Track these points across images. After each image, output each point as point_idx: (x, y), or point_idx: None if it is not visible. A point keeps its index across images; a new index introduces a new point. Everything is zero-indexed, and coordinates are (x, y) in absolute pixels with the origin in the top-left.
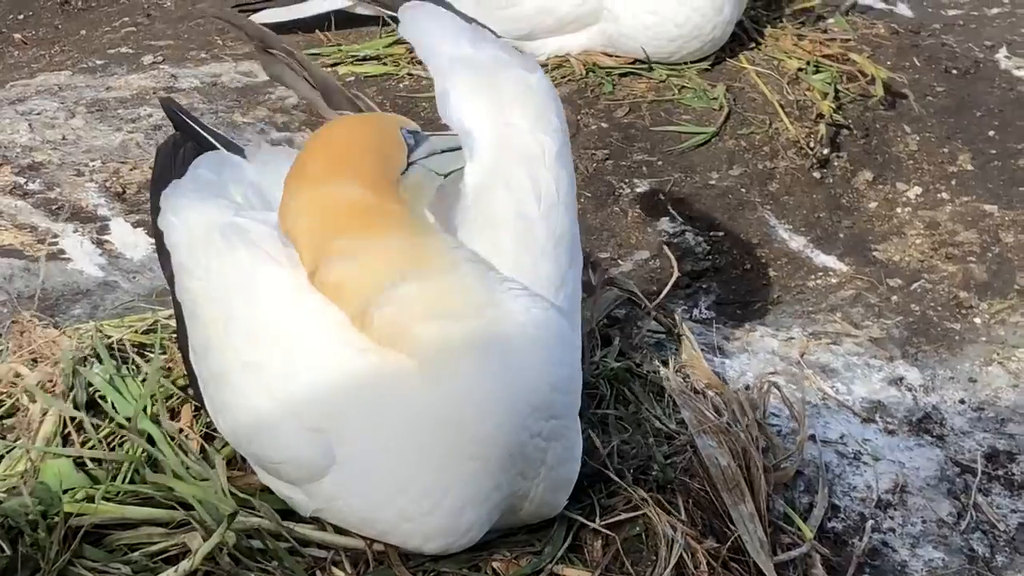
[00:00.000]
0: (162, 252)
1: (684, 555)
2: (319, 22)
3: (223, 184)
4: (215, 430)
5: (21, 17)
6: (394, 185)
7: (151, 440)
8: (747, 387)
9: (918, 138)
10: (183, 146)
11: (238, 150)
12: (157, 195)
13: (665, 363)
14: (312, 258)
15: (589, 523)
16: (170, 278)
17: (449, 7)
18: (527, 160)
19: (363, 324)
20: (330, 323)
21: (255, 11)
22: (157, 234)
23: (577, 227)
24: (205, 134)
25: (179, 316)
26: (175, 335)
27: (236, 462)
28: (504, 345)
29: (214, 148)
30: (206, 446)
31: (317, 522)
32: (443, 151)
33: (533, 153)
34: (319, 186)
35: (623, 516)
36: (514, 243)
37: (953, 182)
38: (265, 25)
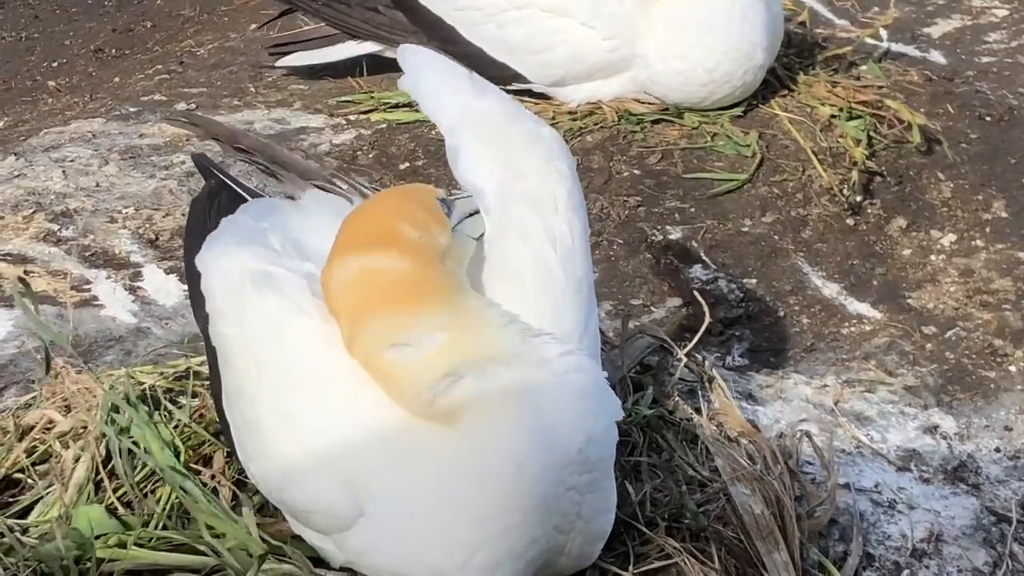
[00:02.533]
0: (196, 297)
1: None
2: (350, 68)
3: (262, 231)
4: (247, 477)
5: (55, 65)
6: (440, 256)
7: (183, 487)
8: (780, 435)
9: (952, 185)
10: (218, 195)
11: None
12: (191, 243)
13: (698, 410)
14: (355, 333)
15: (623, 572)
16: (204, 324)
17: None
18: (539, 209)
19: (415, 409)
20: (361, 376)
21: (285, 54)
22: (192, 279)
23: (592, 273)
24: (235, 187)
25: (212, 362)
26: (207, 382)
27: (268, 509)
28: (541, 399)
29: (246, 197)
30: (238, 493)
31: (349, 571)
32: (471, 214)
33: (545, 202)
34: (366, 259)
35: (656, 564)
36: (535, 292)
37: (988, 229)
38: (295, 67)
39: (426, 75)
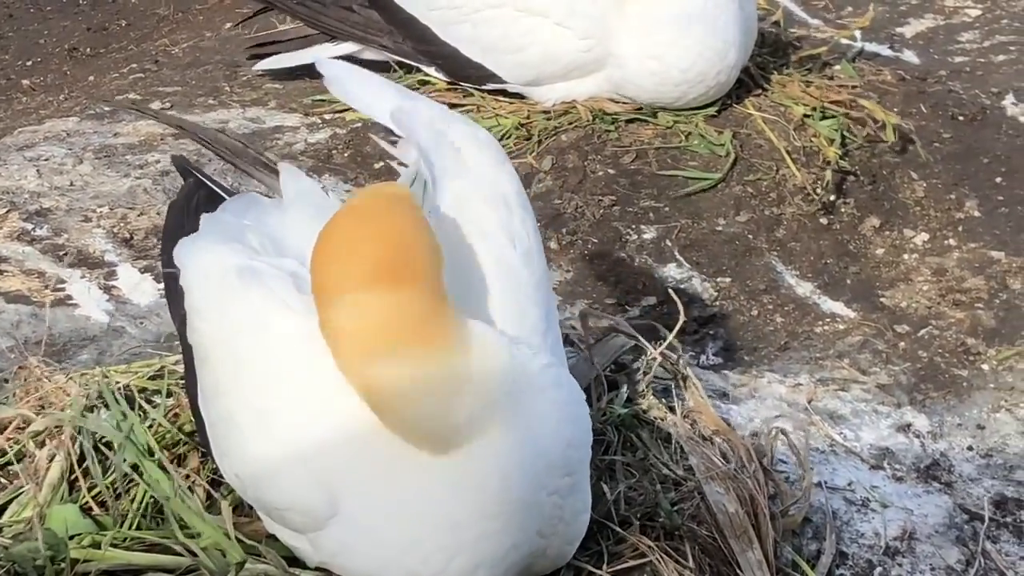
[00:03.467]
0: (172, 295)
1: None
2: None
3: (241, 228)
4: (221, 476)
5: (30, 63)
6: (428, 271)
7: (157, 487)
8: (754, 433)
9: (925, 185)
10: (196, 195)
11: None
12: (168, 245)
13: (672, 409)
14: (360, 372)
15: (596, 571)
16: (180, 321)
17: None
18: (495, 207)
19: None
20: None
21: (262, 57)
22: (168, 277)
23: (548, 270)
24: (213, 187)
25: (187, 359)
26: (182, 380)
27: (243, 508)
28: (525, 410)
29: (224, 197)
30: (212, 492)
31: (325, 571)
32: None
33: (499, 200)
34: (362, 297)
35: (630, 563)
36: (500, 290)
37: (960, 229)
38: (271, 71)
39: (353, 80)
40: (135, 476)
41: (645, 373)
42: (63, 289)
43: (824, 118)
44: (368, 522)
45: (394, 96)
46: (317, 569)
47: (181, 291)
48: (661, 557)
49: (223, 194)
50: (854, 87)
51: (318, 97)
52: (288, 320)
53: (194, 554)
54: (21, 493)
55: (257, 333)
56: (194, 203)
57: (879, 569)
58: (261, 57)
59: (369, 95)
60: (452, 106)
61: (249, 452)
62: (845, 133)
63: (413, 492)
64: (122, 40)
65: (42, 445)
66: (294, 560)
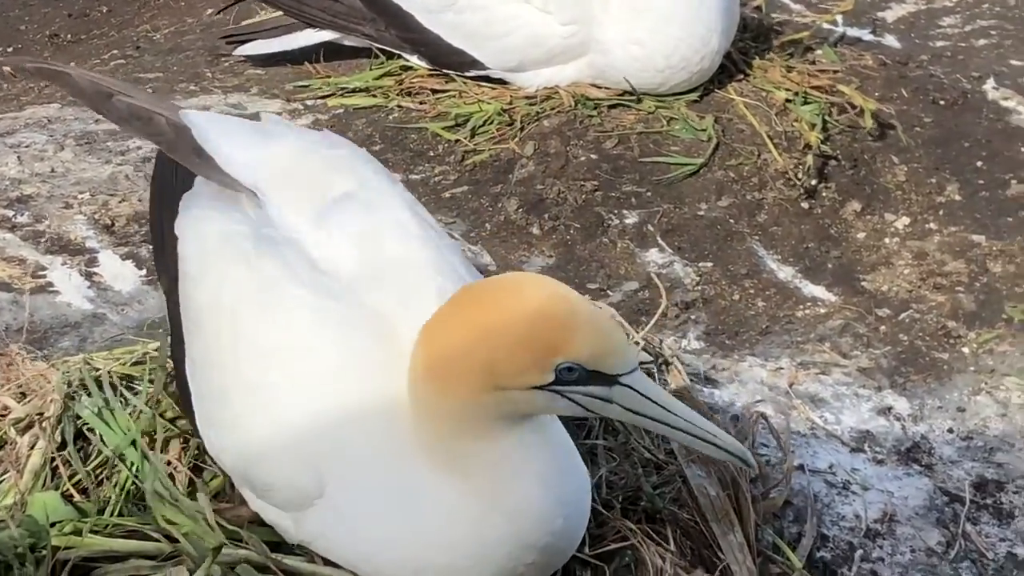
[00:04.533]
0: (164, 259)
1: None
2: (307, 54)
3: (237, 194)
4: (203, 463)
5: (11, 50)
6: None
7: (139, 474)
8: (736, 417)
9: (906, 169)
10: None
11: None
12: (159, 203)
13: None
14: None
15: (578, 554)
16: (169, 287)
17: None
18: (402, 208)
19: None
20: (345, 357)
21: (242, 42)
22: (160, 240)
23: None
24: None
25: (176, 329)
26: (167, 361)
27: (224, 494)
28: (542, 460)
29: None
30: (194, 479)
31: (307, 553)
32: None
33: (399, 202)
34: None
35: (613, 546)
36: (440, 281)
37: (941, 212)
38: (253, 56)
39: (216, 135)
40: (116, 463)
41: None
42: (44, 276)
43: (806, 103)
44: (350, 512)
45: (266, 141)
46: (298, 552)
47: (176, 257)
48: (643, 540)
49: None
50: (835, 72)
51: (301, 83)
52: (298, 294)
53: (175, 540)
54: (2, 480)
55: (263, 304)
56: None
57: (860, 551)
58: (238, 43)
59: (227, 146)
60: (434, 92)
61: (240, 427)
62: (826, 118)
63: (399, 496)
64: (103, 26)
65: (23, 432)
66: (276, 546)
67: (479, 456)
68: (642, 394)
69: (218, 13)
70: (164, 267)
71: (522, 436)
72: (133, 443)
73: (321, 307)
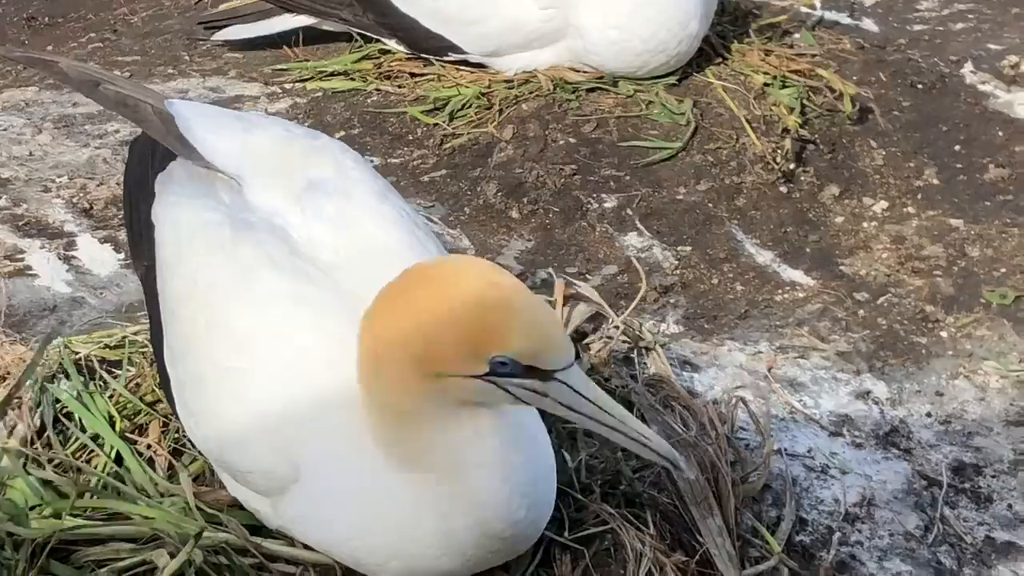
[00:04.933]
0: (139, 246)
1: (653, 569)
2: (286, 38)
3: (212, 181)
4: (183, 446)
5: None
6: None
7: (119, 456)
8: (715, 401)
9: (884, 153)
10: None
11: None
12: (132, 190)
13: (634, 377)
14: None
15: (558, 538)
16: (145, 274)
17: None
18: (380, 196)
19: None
20: (318, 343)
21: (221, 27)
22: (138, 227)
23: None
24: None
25: (154, 316)
26: (144, 350)
27: (204, 478)
28: (501, 449)
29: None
30: (174, 462)
31: (287, 537)
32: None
33: (377, 190)
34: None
35: (592, 530)
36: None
37: (919, 196)
38: (231, 41)
39: (199, 125)
40: (95, 447)
41: (607, 341)
42: (22, 259)
43: (784, 87)
44: (322, 499)
45: (235, 134)
46: (277, 536)
47: (152, 244)
48: (622, 524)
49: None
50: (814, 56)
51: (279, 67)
52: (274, 279)
53: (154, 523)
54: None
55: (238, 290)
56: (160, 148)
57: (838, 535)
58: (216, 28)
59: (215, 138)
60: (413, 76)
61: (216, 414)
62: (805, 102)
63: (366, 488)
64: (80, 9)
65: (2, 415)
66: (256, 529)
67: (434, 449)
68: (577, 391)
69: None
70: (139, 255)
71: (477, 426)
72: (112, 426)
73: (296, 292)
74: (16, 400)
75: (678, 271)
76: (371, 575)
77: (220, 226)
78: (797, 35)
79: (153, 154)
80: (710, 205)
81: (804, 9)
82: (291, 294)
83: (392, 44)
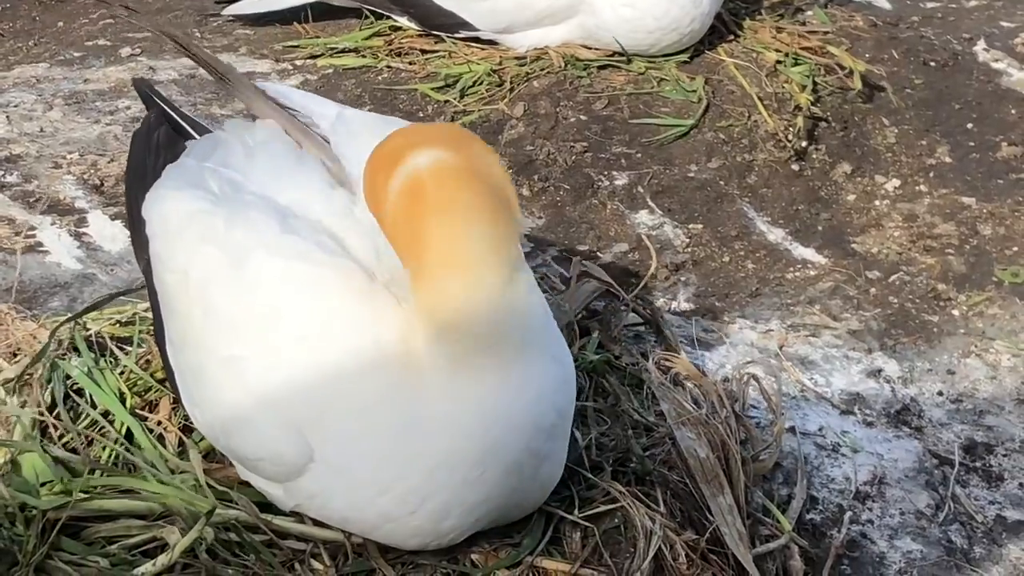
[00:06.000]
0: (138, 242)
1: (663, 547)
2: (296, 14)
3: (202, 173)
4: (193, 423)
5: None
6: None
7: (129, 433)
8: (726, 379)
9: (896, 131)
10: (157, 130)
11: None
12: (132, 184)
13: (644, 355)
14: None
15: (568, 515)
16: (145, 269)
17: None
18: None
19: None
20: (317, 316)
21: (231, 2)
22: (133, 223)
23: None
24: (177, 117)
25: (155, 308)
26: (153, 327)
27: (214, 455)
28: (526, 368)
29: (187, 131)
30: (184, 439)
31: (296, 514)
32: None
33: None
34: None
35: (602, 508)
36: None
37: (931, 175)
38: (242, 16)
39: (295, 92)
40: (106, 423)
41: (617, 319)
42: (33, 236)
43: (796, 64)
44: (344, 463)
45: (336, 106)
46: (291, 513)
47: (146, 240)
48: (632, 502)
49: (184, 124)
50: (825, 33)
51: (290, 43)
52: (266, 260)
53: (165, 499)
54: None
55: (229, 278)
56: (156, 138)
57: (849, 513)
58: (227, 2)
59: (313, 103)
60: (423, 52)
61: (220, 402)
62: (817, 79)
63: (390, 435)
64: None
65: (13, 392)
66: (266, 506)
67: (486, 360)
68: None
69: None
70: (139, 248)
71: (528, 352)
72: (123, 403)
73: (295, 271)
74: (27, 376)
75: (689, 249)
76: (390, 536)
77: (209, 215)
78: (809, 12)
79: (150, 143)
80: (721, 183)
81: None
82: (285, 274)
83: (403, 21)
